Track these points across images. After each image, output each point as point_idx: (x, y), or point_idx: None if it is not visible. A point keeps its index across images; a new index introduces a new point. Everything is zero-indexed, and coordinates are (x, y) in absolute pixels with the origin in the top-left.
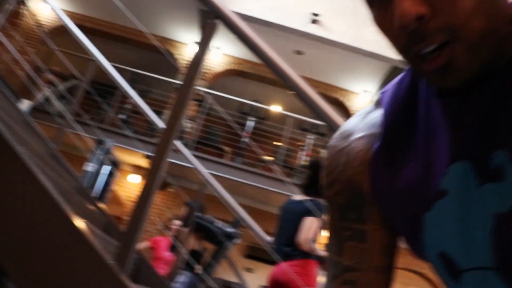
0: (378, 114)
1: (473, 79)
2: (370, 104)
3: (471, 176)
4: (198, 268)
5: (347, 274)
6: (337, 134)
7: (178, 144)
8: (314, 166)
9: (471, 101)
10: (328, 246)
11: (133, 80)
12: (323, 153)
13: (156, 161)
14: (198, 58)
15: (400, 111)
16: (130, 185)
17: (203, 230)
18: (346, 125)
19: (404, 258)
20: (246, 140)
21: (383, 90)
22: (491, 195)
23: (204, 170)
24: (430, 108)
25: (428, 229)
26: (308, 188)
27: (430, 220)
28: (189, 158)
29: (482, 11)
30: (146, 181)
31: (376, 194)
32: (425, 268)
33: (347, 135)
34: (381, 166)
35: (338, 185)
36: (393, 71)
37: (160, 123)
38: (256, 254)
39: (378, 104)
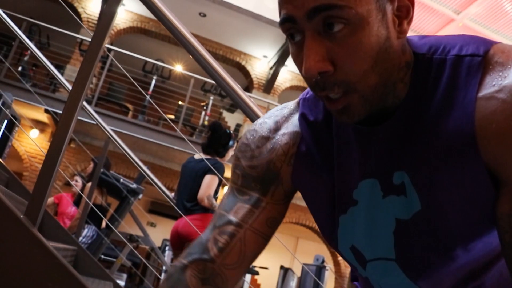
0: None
1: (374, 115)
2: (269, 71)
3: (377, 189)
4: (103, 223)
5: (229, 226)
6: (262, 122)
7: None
8: (214, 127)
9: (376, 132)
10: (222, 201)
11: (31, 31)
12: (224, 113)
13: (65, 121)
14: (109, 16)
15: (319, 124)
16: (30, 140)
17: (107, 186)
18: (271, 118)
19: (295, 213)
20: (148, 98)
21: (303, 96)
22: (394, 204)
23: (108, 127)
24: (342, 126)
25: (342, 228)
26: (208, 147)
27: (343, 221)
28: (93, 114)
29: (375, 71)
30: (55, 137)
31: (299, 187)
32: (314, 222)
33: (274, 129)
34: (303, 167)
35: (255, 161)
36: None
37: (63, 79)
38: (158, 209)
39: (298, 105)
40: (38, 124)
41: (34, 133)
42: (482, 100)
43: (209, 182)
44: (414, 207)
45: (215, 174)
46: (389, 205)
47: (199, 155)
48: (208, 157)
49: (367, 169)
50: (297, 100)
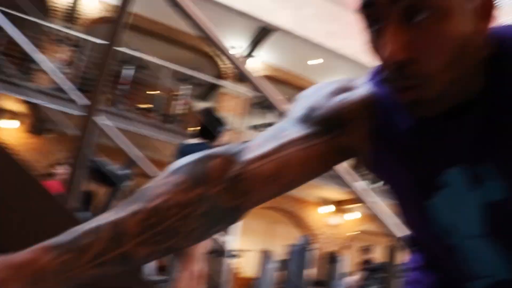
0: (373, 89)
1: (455, 107)
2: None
3: (463, 178)
4: (93, 209)
5: (276, 140)
6: (332, 82)
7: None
8: (206, 113)
9: (458, 123)
10: (261, 134)
11: None
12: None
13: (81, 138)
14: (121, 15)
15: (398, 105)
16: (4, 130)
17: (95, 172)
18: (342, 82)
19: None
20: (124, 88)
21: (375, 74)
22: (480, 192)
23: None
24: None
25: (431, 211)
26: (203, 132)
27: (431, 206)
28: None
29: (454, 66)
30: (76, 147)
31: (381, 174)
32: (292, 206)
33: (346, 89)
34: (382, 144)
35: (321, 103)
36: (261, 31)
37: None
38: None
39: (369, 82)
40: (14, 115)
41: (10, 124)
42: None
43: None
44: (501, 193)
45: None
46: (476, 193)
47: (192, 140)
48: (204, 141)
49: (451, 158)
50: (366, 78)
